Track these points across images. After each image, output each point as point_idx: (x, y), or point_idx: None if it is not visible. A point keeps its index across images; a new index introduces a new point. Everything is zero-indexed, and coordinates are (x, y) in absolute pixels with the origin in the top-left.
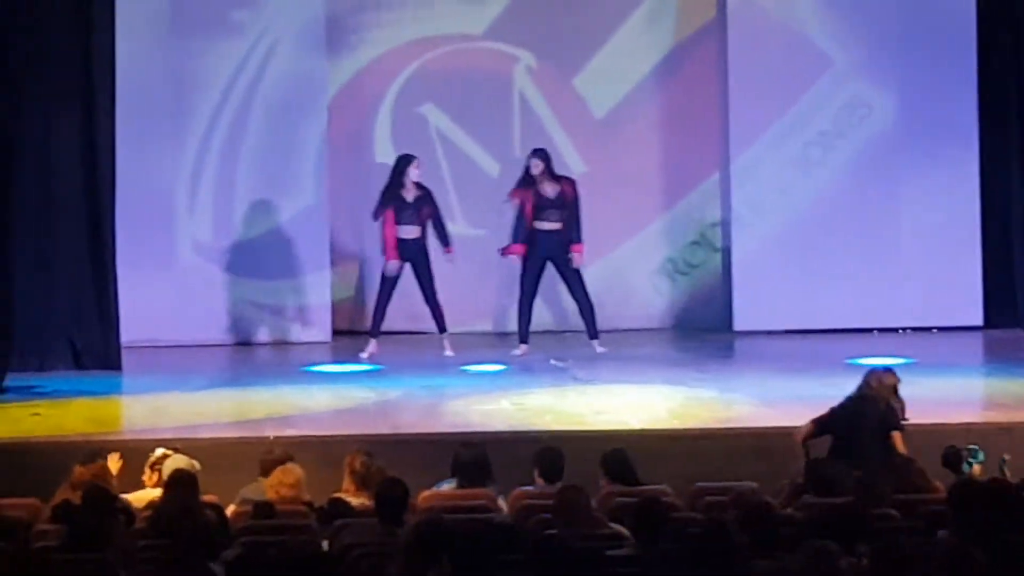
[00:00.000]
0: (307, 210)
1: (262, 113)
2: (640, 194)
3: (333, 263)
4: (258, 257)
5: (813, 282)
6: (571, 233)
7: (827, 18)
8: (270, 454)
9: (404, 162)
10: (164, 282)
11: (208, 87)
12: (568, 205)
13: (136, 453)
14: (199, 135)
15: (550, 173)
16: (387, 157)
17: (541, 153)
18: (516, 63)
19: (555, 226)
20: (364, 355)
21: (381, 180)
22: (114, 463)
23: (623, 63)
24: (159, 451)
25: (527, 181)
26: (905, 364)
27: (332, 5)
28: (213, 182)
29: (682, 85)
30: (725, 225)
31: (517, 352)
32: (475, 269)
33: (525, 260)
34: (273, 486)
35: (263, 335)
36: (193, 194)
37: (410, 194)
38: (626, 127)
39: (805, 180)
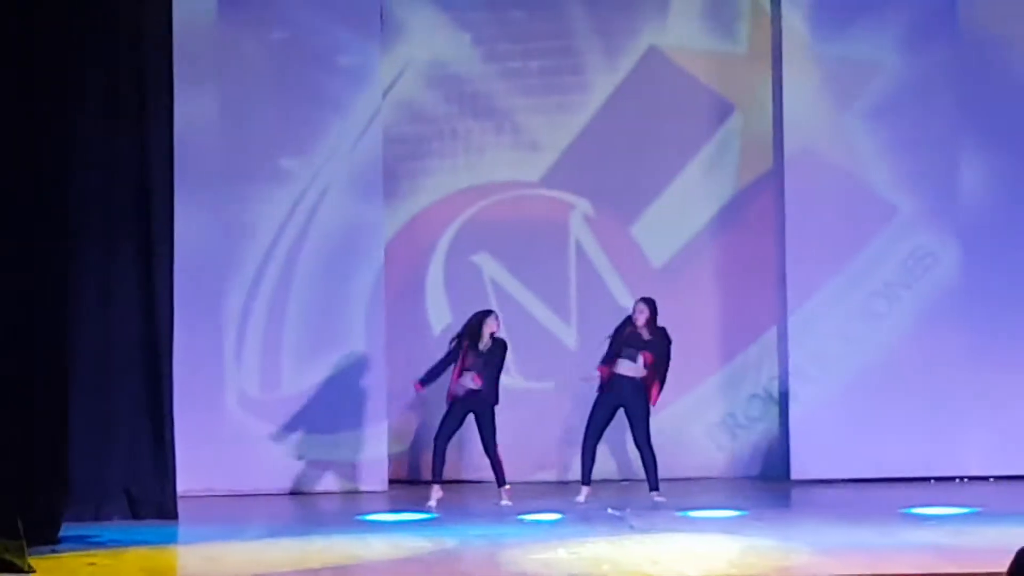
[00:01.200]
0: (359, 361)
1: (313, 262)
2: (699, 345)
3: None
4: (311, 410)
5: (870, 430)
6: (648, 380)
7: (888, 165)
8: None
9: (483, 315)
10: (218, 431)
11: (257, 235)
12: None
13: None
14: (247, 284)
15: (652, 323)
16: (439, 307)
17: (649, 301)
18: (572, 210)
19: (636, 372)
20: (431, 503)
21: (430, 331)
22: None
23: (681, 212)
24: None
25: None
26: (968, 513)
27: (385, 151)
28: (261, 333)
29: (741, 235)
30: (783, 376)
31: (580, 498)
32: (530, 419)
33: (597, 400)
34: None
35: (319, 485)
36: (240, 344)
37: (484, 345)
38: (684, 277)
39: (865, 330)
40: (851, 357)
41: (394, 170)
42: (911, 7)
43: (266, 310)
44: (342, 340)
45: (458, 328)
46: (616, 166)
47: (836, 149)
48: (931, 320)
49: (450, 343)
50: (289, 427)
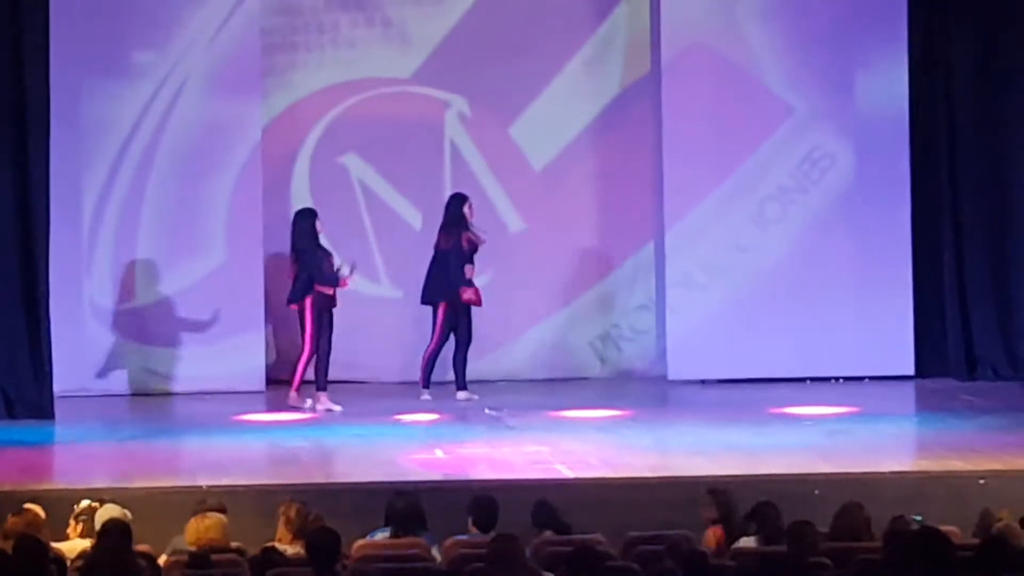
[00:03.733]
0: (234, 265)
1: (166, 164)
2: (581, 255)
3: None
4: (181, 320)
5: (745, 331)
6: None
7: (783, 63)
8: (203, 504)
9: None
10: (89, 333)
11: (109, 133)
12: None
13: (66, 503)
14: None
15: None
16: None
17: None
18: (447, 109)
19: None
20: (320, 407)
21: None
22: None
23: (563, 111)
24: (84, 502)
25: (464, 225)
26: (840, 413)
27: (242, 46)
28: (112, 238)
29: (624, 137)
30: (660, 286)
31: (460, 396)
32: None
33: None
34: (194, 533)
35: (196, 385)
36: (91, 251)
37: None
38: (566, 181)
39: (755, 236)
40: (737, 264)
41: (253, 65)
42: None
43: (117, 215)
44: (208, 245)
45: (325, 233)
46: (494, 62)
47: (725, 45)
48: (821, 225)
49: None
50: (151, 339)
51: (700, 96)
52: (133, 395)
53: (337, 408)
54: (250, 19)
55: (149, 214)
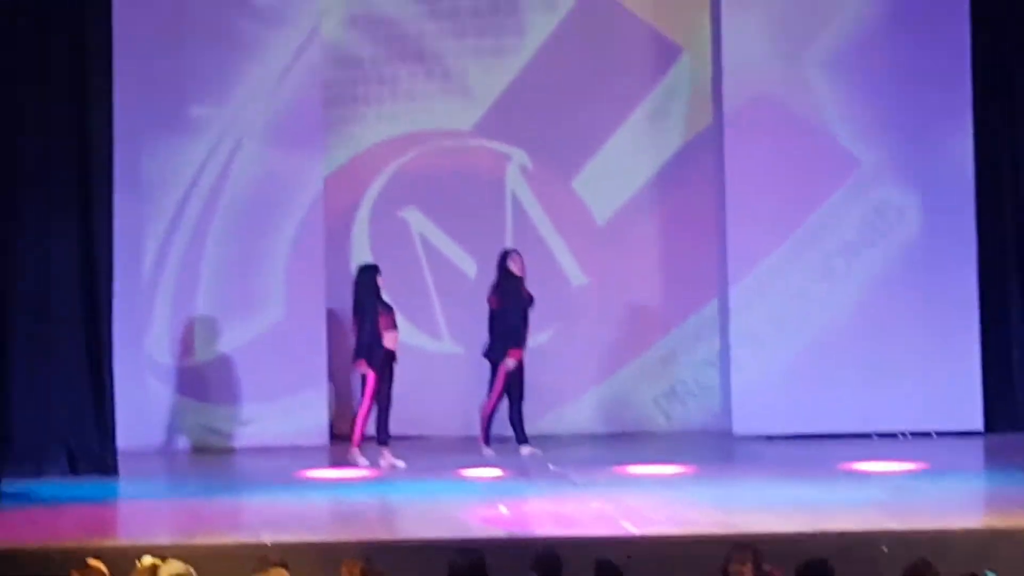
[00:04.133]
0: (297, 319)
1: (225, 219)
2: (645, 310)
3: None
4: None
5: (811, 386)
6: None
7: (850, 114)
8: (265, 560)
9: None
10: (149, 390)
11: (168, 189)
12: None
13: (129, 560)
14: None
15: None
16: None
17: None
18: (508, 162)
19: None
20: (383, 463)
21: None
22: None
23: (626, 164)
24: (147, 559)
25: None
26: (908, 469)
27: (303, 99)
28: (171, 295)
29: (687, 190)
30: (725, 341)
31: (523, 451)
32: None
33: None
34: None
35: (259, 441)
36: (150, 308)
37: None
38: (629, 236)
39: (820, 290)
40: (803, 319)
41: (314, 118)
42: None
43: (177, 269)
44: (268, 301)
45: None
46: (555, 114)
47: (790, 96)
48: (888, 279)
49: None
50: (211, 397)
51: (764, 148)
52: (195, 451)
53: (400, 463)
54: (311, 72)
55: (208, 270)
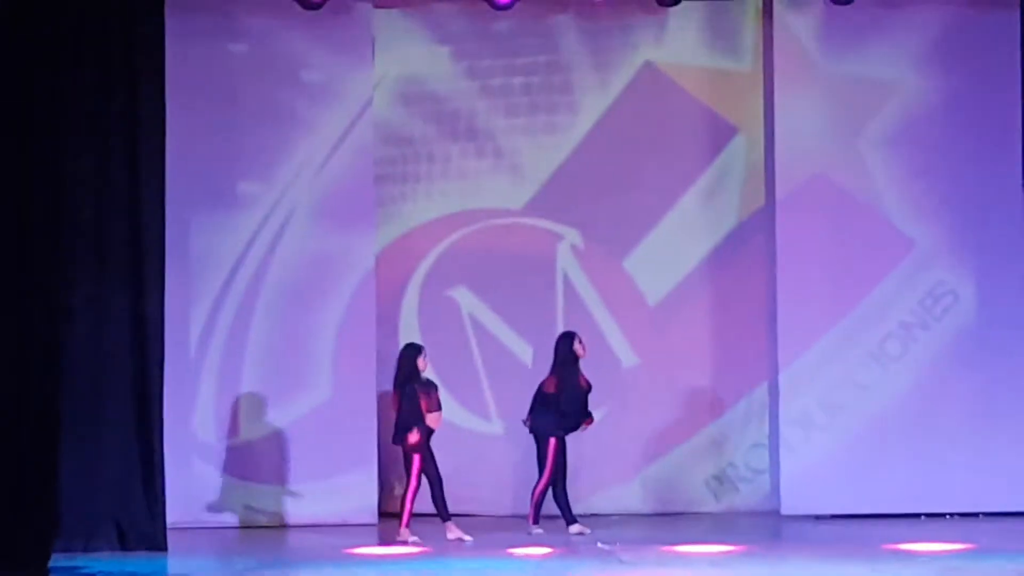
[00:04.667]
0: (346, 398)
1: (272, 296)
2: (695, 391)
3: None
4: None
5: (859, 467)
6: None
7: (903, 195)
8: None
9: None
10: (194, 469)
11: (215, 265)
12: None
13: None
14: (202, 319)
15: None
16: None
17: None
18: (559, 241)
19: None
20: (451, 536)
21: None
22: None
23: (678, 245)
24: None
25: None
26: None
27: (353, 175)
28: (216, 372)
29: (741, 271)
30: (773, 417)
31: (572, 529)
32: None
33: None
34: None
35: (308, 518)
36: (196, 385)
37: None
38: (680, 316)
39: (875, 374)
40: (854, 401)
41: (365, 196)
42: (927, 25)
43: (223, 345)
44: (315, 380)
45: (434, 368)
46: (607, 194)
47: (844, 177)
48: (940, 362)
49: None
50: (256, 476)
51: (817, 229)
52: (243, 528)
53: (468, 538)
54: (362, 150)
55: (253, 347)
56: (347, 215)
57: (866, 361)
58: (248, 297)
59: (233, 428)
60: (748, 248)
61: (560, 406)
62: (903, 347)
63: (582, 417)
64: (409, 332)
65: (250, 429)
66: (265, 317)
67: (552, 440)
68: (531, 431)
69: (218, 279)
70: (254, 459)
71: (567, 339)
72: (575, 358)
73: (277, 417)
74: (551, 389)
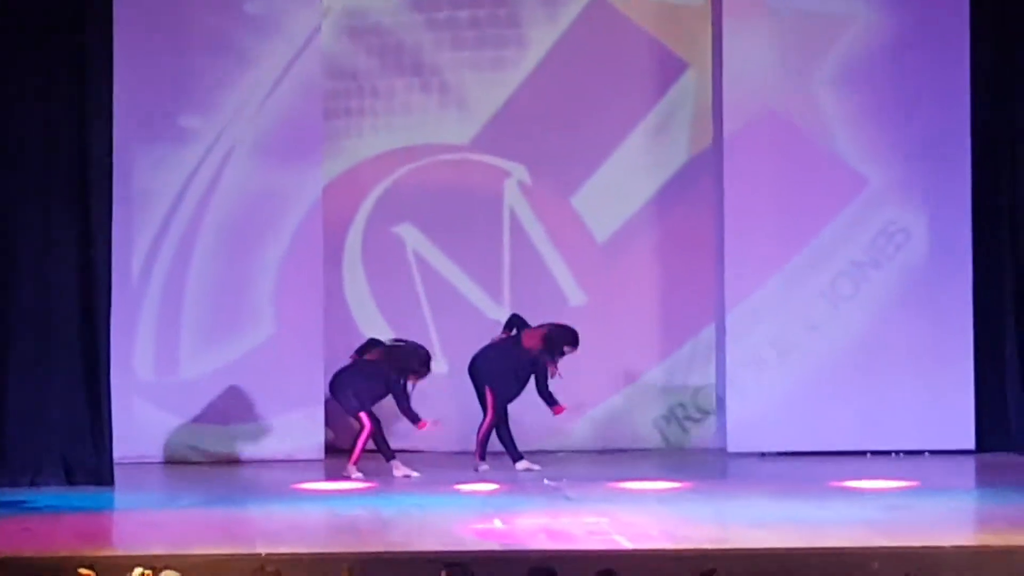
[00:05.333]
0: (291, 337)
1: (212, 233)
2: (641, 331)
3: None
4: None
5: (805, 405)
6: None
7: (857, 133)
8: (261, 571)
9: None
10: (134, 409)
11: (153, 202)
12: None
13: (123, 570)
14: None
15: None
16: (357, 284)
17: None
18: (506, 178)
19: None
20: (397, 474)
21: (348, 311)
22: None
23: (627, 182)
24: (137, 571)
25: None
26: (900, 487)
27: (300, 109)
28: (155, 310)
29: (690, 209)
30: (720, 356)
31: (518, 466)
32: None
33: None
34: None
35: (254, 453)
36: (134, 323)
37: None
38: (627, 254)
39: (824, 314)
40: (803, 341)
41: (306, 131)
42: None
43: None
44: (257, 317)
45: (378, 306)
46: (555, 129)
47: (796, 115)
48: (888, 301)
49: None
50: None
51: (767, 167)
52: (191, 463)
53: (415, 474)
54: (308, 82)
55: (195, 284)
56: (292, 150)
57: (816, 301)
58: (189, 233)
59: (174, 366)
60: (698, 186)
61: (518, 371)
62: (855, 286)
63: (550, 403)
64: (353, 270)
65: (192, 367)
66: (207, 254)
67: (488, 389)
68: (470, 371)
69: (158, 215)
70: (197, 398)
71: (572, 336)
72: (561, 354)
73: (220, 355)
74: (532, 344)
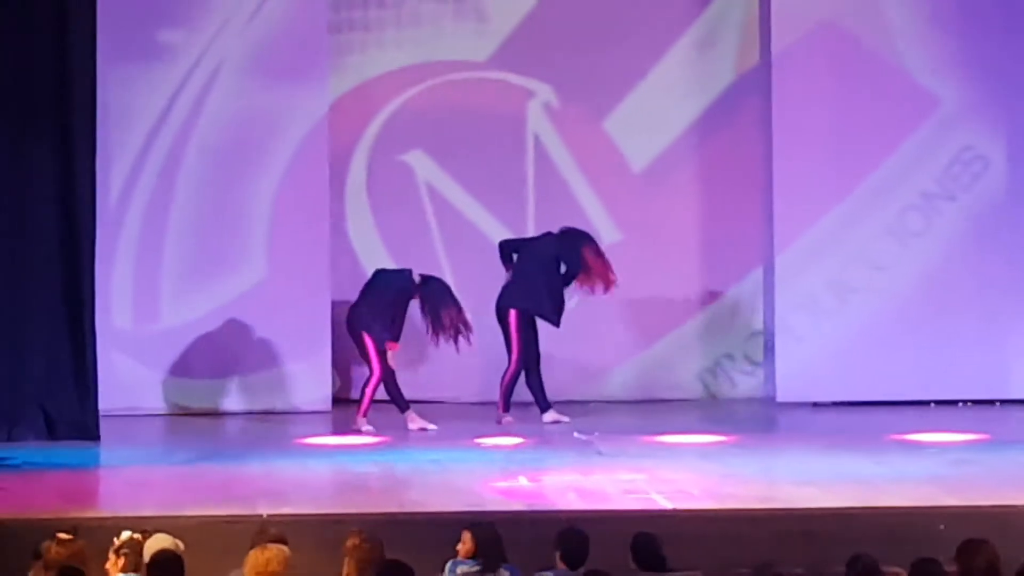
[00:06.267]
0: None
1: (197, 161)
2: (686, 270)
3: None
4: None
5: (865, 351)
6: None
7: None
8: (263, 535)
9: None
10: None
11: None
12: None
13: (110, 533)
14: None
15: None
16: (362, 219)
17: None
18: (530, 99)
19: None
20: (412, 426)
21: (351, 250)
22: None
23: (666, 103)
24: (125, 534)
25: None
26: (968, 441)
27: (288, 26)
28: (134, 248)
29: (736, 133)
30: (768, 300)
31: (546, 418)
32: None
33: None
34: (253, 567)
35: (255, 404)
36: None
37: None
38: (668, 184)
39: (873, 248)
40: (866, 282)
41: (302, 47)
42: None
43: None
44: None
45: (385, 243)
46: (585, 44)
47: (856, 25)
48: (967, 239)
49: None
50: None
51: (823, 86)
52: (186, 414)
53: (432, 427)
54: None
55: (177, 218)
56: (288, 67)
57: (882, 237)
58: (171, 162)
59: (154, 313)
60: (746, 109)
61: (540, 285)
62: (926, 221)
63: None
64: (356, 203)
65: (175, 314)
66: (189, 183)
67: (513, 312)
68: (496, 313)
69: (135, 142)
70: (182, 348)
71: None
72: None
73: (212, 298)
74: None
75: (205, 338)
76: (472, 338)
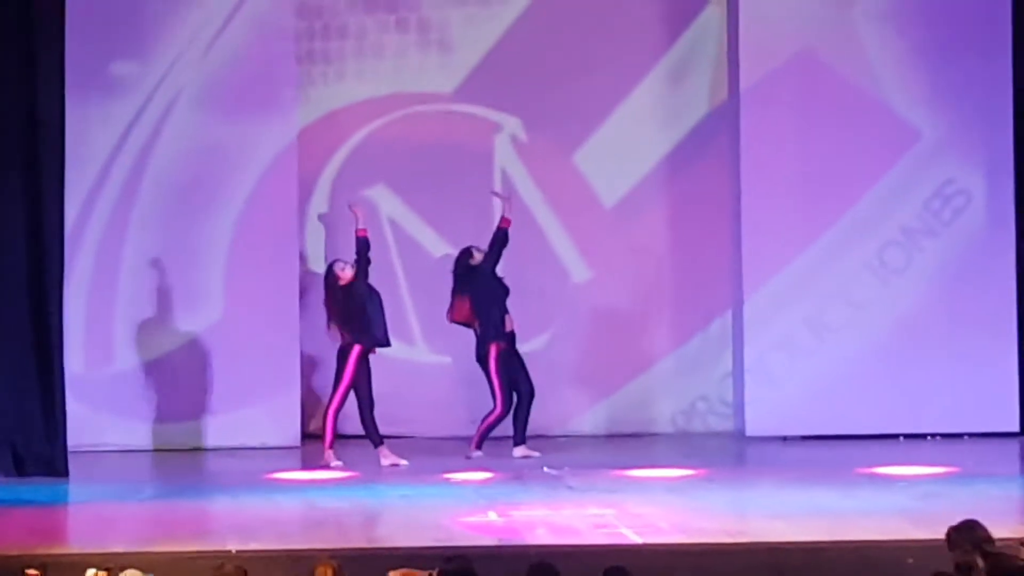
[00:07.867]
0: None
1: (153, 197)
2: (657, 309)
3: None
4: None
5: (834, 386)
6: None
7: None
8: (220, 569)
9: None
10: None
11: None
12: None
13: (79, 570)
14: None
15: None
16: (321, 256)
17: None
18: (497, 132)
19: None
20: (385, 462)
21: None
22: None
23: (638, 136)
24: (91, 572)
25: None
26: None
27: (253, 57)
28: (85, 289)
29: (709, 167)
30: (738, 340)
31: (516, 453)
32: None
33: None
34: None
35: (223, 440)
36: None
37: None
38: (639, 221)
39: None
40: (847, 322)
41: (266, 78)
42: None
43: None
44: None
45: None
46: (554, 76)
47: (834, 57)
48: (947, 275)
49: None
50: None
51: (800, 116)
52: (156, 451)
53: (404, 462)
54: (265, 19)
55: (130, 256)
56: (252, 99)
57: (861, 273)
58: (125, 196)
59: (108, 355)
60: (719, 143)
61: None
62: (907, 257)
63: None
64: (316, 239)
65: (127, 357)
66: (143, 219)
67: (492, 349)
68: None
69: (88, 176)
70: (138, 390)
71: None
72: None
73: (168, 340)
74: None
75: (169, 377)
76: (442, 375)
